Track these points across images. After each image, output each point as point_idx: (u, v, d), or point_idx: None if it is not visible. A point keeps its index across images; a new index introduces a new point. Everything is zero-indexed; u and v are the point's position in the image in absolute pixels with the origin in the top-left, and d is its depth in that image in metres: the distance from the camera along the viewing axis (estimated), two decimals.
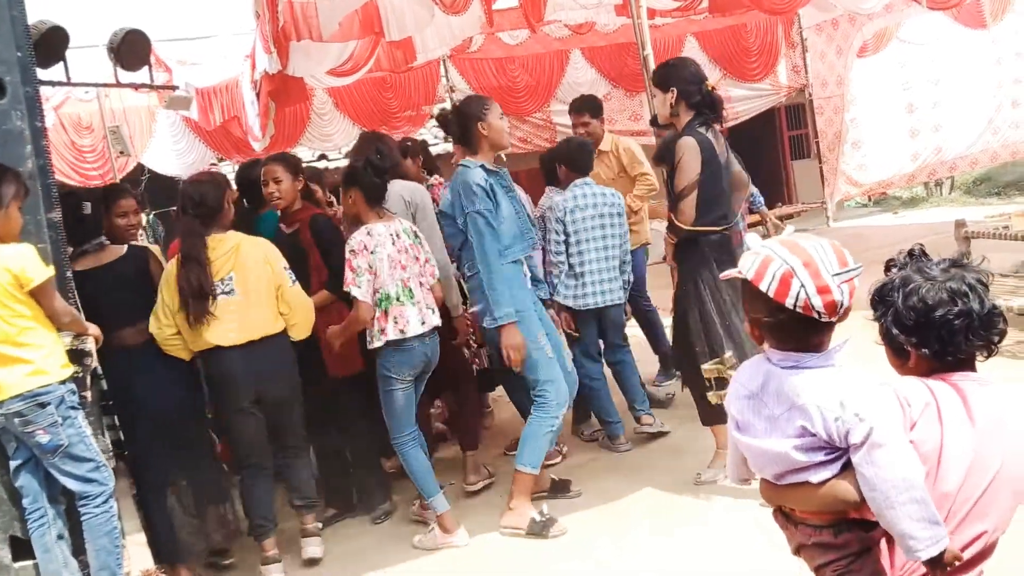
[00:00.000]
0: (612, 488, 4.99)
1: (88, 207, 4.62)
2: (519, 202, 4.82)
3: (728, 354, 4.57)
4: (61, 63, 7.09)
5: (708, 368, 4.59)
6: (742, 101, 13.99)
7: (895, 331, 2.01)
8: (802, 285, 1.92)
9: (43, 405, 3.39)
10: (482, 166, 4.63)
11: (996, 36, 13.87)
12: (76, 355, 3.61)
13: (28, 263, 3.41)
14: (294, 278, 4.59)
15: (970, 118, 14.01)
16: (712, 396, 4.58)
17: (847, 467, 1.97)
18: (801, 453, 1.98)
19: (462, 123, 4.72)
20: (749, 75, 13.92)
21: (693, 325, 4.66)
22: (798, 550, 2.15)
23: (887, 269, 2.11)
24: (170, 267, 4.40)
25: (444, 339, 4.95)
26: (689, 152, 4.56)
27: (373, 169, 4.67)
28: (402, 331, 4.55)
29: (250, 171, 5.54)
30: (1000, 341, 1.99)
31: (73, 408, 3.48)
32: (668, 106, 4.70)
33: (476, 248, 4.53)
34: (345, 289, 4.54)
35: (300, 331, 4.63)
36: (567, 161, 5.72)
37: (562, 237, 5.51)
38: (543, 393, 4.65)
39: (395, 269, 4.58)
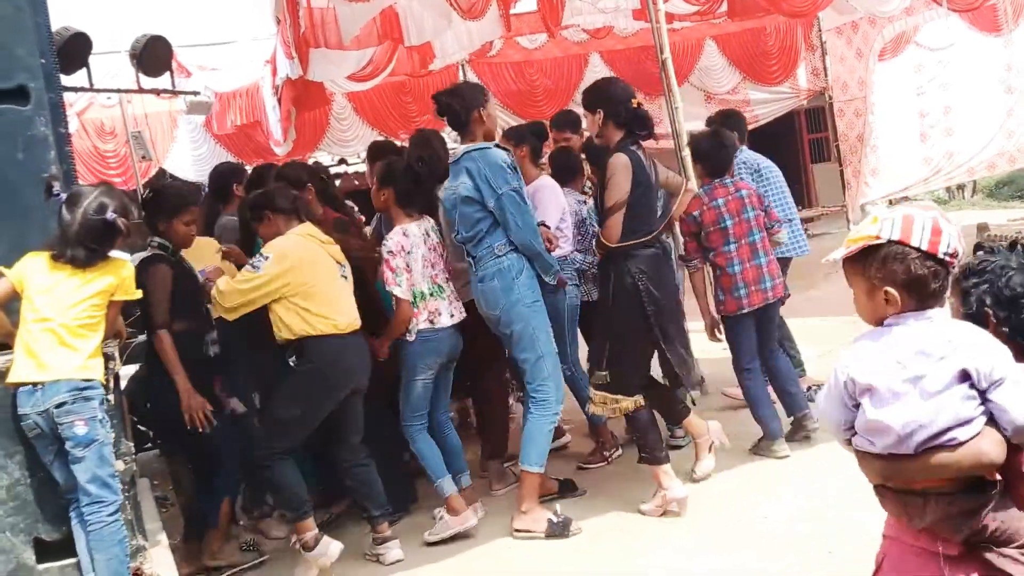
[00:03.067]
0: (626, 493, 4.98)
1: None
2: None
3: (602, 372, 4.63)
4: (84, 69, 7.17)
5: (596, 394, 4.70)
6: (761, 104, 13.95)
7: (988, 301, 2.14)
8: (949, 233, 2.05)
9: (87, 399, 3.45)
10: (497, 145, 4.70)
11: (1007, 41, 13.77)
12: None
13: (128, 279, 3.63)
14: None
15: (981, 123, 13.92)
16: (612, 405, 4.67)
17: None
18: (965, 402, 2.00)
19: (465, 107, 4.70)
20: (768, 78, 13.87)
21: (611, 338, 4.70)
22: (934, 527, 2.07)
23: (976, 251, 2.27)
24: (301, 245, 4.46)
25: (472, 343, 5.00)
26: (621, 171, 4.56)
27: (412, 175, 4.78)
28: (431, 323, 4.70)
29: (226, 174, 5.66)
30: None
31: (108, 413, 3.53)
32: (596, 127, 4.73)
33: (519, 222, 4.54)
34: (388, 289, 4.66)
35: None
36: (591, 158, 5.63)
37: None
38: (543, 390, 4.67)
39: (427, 268, 4.71)
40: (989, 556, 2.03)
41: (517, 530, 4.64)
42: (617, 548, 4.38)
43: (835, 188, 14.84)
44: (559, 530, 4.53)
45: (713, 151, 5.41)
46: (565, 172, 5.85)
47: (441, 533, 4.70)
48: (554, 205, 5.34)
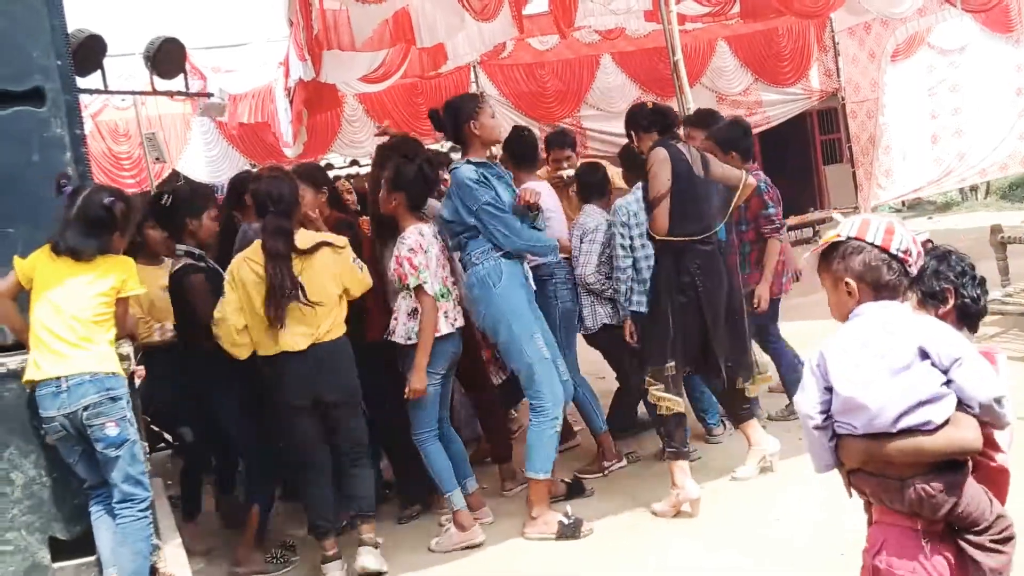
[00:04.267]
0: (635, 493, 4.99)
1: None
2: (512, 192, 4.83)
3: (670, 364, 4.64)
4: (99, 71, 7.22)
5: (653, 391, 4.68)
6: (774, 106, 13.91)
7: (941, 285, 2.44)
8: (902, 234, 2.30)
9: (115, 399, 3.47)
10: (468, 161, 4.67)
11: (1018, 42, 13.70)
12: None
13: (133, 275, 3.63)
14: (362, 265, 4.59)
15: (992, 123, 13.86)
16: (666, 404, 4.65)
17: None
18: (929, 378, 2.16)
19: (455, 122, 4.74)
20: (781, 79, 13.84)
21: (654, 332, 4.77)
22: (913, 509, 2.22)
23: None
24: (240, 267, 4.36)
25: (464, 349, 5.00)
26: (658, 162, 4.65)
27: (422, 177, 4.72)
28: (452, 325, 4.67)
29: (244, 181, 5.48)
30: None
31: (133, 409, 3.56)
32: (637, 145, 4.97)
33: (499, 234, 4.56)
34: (417, 283, 4.54)
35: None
36: (626, 165, 5.60)
37: (628, 242, 5.31)
38: (539, 397, 4.66)
39: (440, 268, 4.67)
40: (961, 542, 2.21)
41: (530, 535, 4.64)
42: (628, 549, 4.38)
43: (847, 189, 14.78)
44: (571, 531, 4.53)
45: (744, 137, 5.56)
46: (590, 188, 5.73)
47: (445, 546, 4.67)
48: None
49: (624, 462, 5.48)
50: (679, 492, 4.61)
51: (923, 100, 13.97)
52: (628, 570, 4.19)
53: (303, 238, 4.42)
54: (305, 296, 4.27)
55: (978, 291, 2.48)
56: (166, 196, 4.99)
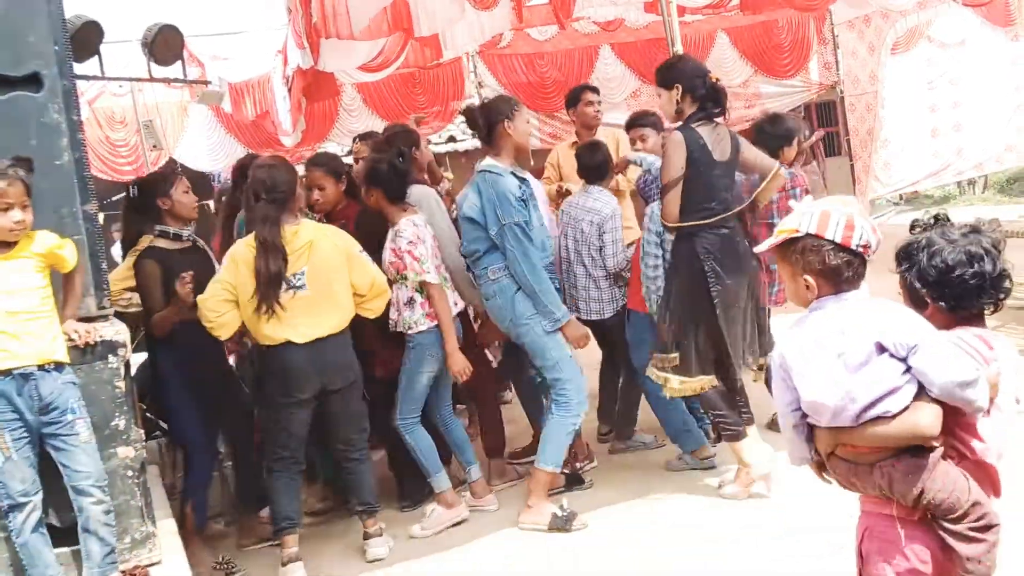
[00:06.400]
0: (634, 487, 4.98)
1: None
2: (539, 212, 4.85)
3: (673, 355, 4.50)
4: (96, 57, 7.18)
5: (653, 371, 4.57)
6: (772, 98, 13.89)
7: (917, 285, 2.31)
8: (862, 227, 2.22)
9: None
10: (512, 173, 4.65)
11: (1016, 36, 13.70)
12: (109, 346, 3.62)
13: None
14: (370, 259, 4.52)
15: (989, 118, 13.86)
16: (688, 387, 4.51)
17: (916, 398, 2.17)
18: (887, 372, 2.15)
19: (488, 120, 4.70)
20: (780, 71, 13.84)
21: (676, 319, 4.54)
22: (884, 492, 2.24)
23: (911, 229, 2.40)
24: (241, 251, 4.26)
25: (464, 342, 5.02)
26: (673, 147, 4.48)
27: (394, 171, 4.74)
28: (454, 307, 4.74)
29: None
30: (1005, 298, 2.30)
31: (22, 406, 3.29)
32: (674, 103, 4.60)
33: (519, 258, 4.51)
34: (420, 279, 4.61)
35: (375, 311, 4.53)
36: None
37: (660, 251, 4.87)
38: (564, 392, 4.65)
39: (435, 257, 4.73)
40: (940, 532, 2.20)
41: (524, 524, 4.64)
42: (627, 541, 4.37)
43: (845, 183, 14.80)
44: (562, 523, 4.53)
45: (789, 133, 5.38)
46: (590, 171, 5.43)
47: (434, 527, 4.69)
48: None
49: (595, 462, 5.40)
50: (749, 470, 4.54)
51: (922, 93, 13.98)
52: (631, 569, 4.16)
53: (305, 230, 4.34)
54: (288, 286, 4.20)
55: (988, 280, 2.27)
56: (132, 187, 5.01)
